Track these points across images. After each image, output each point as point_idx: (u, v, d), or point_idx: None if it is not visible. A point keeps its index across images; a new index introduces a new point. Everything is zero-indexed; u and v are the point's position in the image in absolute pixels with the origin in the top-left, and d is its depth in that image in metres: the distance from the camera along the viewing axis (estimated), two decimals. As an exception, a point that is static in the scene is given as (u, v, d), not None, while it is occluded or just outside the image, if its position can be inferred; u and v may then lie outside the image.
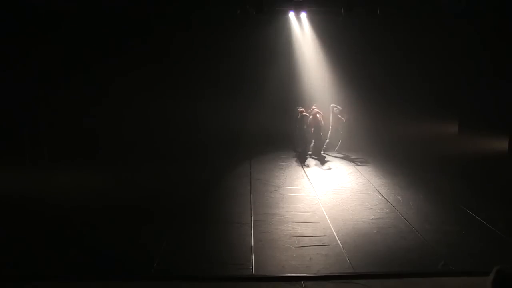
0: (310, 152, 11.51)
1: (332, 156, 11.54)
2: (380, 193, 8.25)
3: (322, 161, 11.00)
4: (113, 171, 10.02)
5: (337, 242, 6.08)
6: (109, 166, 10.36)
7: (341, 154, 11.64)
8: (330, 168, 10.36)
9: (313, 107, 11.83)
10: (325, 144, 11.66)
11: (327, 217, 7.03)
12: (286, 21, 13.14)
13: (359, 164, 10.55)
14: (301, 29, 13.26)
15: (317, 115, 11.50)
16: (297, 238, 6.23)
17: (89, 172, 9.91)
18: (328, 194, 8.31)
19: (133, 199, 8.11)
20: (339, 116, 11.76)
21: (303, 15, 12.88)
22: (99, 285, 5.11)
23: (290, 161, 11.06)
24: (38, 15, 10.74)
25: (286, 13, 12.87)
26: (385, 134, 12.63)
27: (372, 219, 6.97)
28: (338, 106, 11.89)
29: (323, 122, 11.52)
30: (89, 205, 7.69)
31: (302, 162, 10.91)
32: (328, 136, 11.80)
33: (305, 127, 11.51)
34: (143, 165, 10.55)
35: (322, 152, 11.51)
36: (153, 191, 8.72)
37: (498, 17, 11.55)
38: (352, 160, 10.90)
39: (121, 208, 7.59)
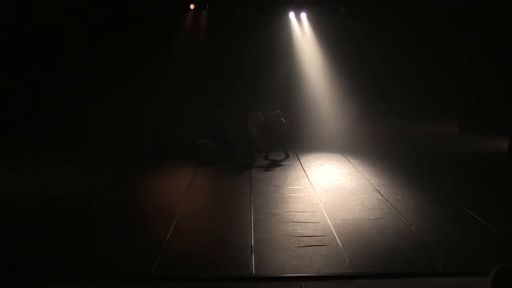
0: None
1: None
2: (380, 193, 8.24)
3: (321, 162, 10.98)
4: (113, 171, 10.02)
5: (337, 242, 6.08)
6: (109, 167, 10.34)
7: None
8: (327, 167, 10.36)
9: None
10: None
11: (327, 217, 7.03)
12: (286, 21, 13.14)
13: (359, 164, 10.54)
14: (301, 29, 13.26)
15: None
16: (297, 238, 6.24)
17: (90, 171, 9.90)
18: (328, 194, 8.31)
19: (133, 199, 8.12)
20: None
21: (303, 15, 12.90)
22: (99, 285, 5.12)
23: (290, 161, 11.07)
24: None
25: (286, 13, 12.90)
26: (385, 134, 12.63)
27: (372, 219, 6.97)
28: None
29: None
30: (89, 205, 7.70)
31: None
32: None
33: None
34: (143, 165, 10.55)
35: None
36: (152, 191, 8.74)
37: (498, 16, 11.56)
38: (352, 160, 10.90)
39: (121, 207, 7.59)
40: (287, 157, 11.33)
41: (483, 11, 11.73)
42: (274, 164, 10.80)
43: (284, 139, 11.48)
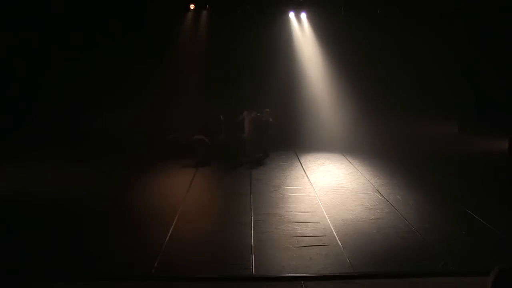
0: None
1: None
2: (380, 193, 8.24)
3: (321, 162, 10.98)
4: (112, 171, 10.03)
5: (337, 242, 6.08)
6: (108, 167, 10.35)
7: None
8: (327, 167, 10.35)
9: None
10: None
11: (327, 217, 7.02)
12: (286, 21, 13.15)
13: (359, 164, 10.54)
14: (301, 29, 13.26)
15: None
16: (297, 238, 6.23)
17: (89, 172, 9.90)
18: (328, 194, 8.31)
19: (133, 199, 8.12)
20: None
21: (303, 15, 12.91)
22: (99, 285, 5.12)
23: (290, 161, 11.07)
24: None
25: (286, 13, 12.90)
26: (385, 134, 12.63)
27: (372, 219, 6.96)
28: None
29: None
30: (88, 205, 7.70)
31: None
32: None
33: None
34: (142, 165, 10.55)
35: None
36: (152, 191, 8.74)
37: (497, 16, 11.56)
38: (352, 160, 10.90)
39: (121, 207, 7.60)
40: (265, 156, 11.34)
41: (482, 11, 11.72)
42: (274, 164, 10.79)
43: (266, 138, 11.51)
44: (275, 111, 12.13)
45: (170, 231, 6.47)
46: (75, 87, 12.03)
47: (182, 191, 8.61)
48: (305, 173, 9.87)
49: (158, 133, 11.64)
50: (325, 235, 6.32)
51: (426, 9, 11.98)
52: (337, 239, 6.18)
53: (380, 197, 8.05)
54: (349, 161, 10.90)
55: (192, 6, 12.47)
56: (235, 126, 11.67)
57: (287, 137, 12.71)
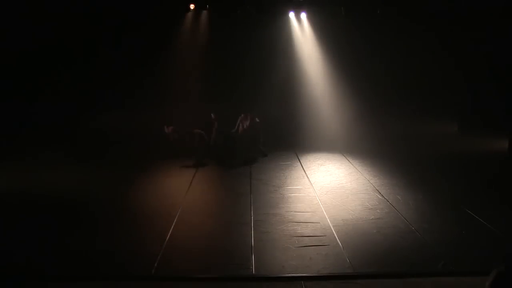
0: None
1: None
2: (380, 193, 8.24)
3: (321, 162, 10.98)
4: (111, 171, 10.03)
5: (337, 242, 6.08)
6: (107, 167, 10.36)
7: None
8: (327, 167, 10.35)
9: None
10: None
11: (327, 217, 7.03)
12: (286, 21, 13.15)
13: (359, 164, 10.54)
14: (301, 29, 13.26)
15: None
16: (297, 238, 6.24)
17: (88, 171, 9.91)
18: (328, 194, 8.31)
19: (132, 199, 8.12)
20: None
21: (303, 15, 12.91)
22: (99, 285, 5.12)
23: (290, 161, 11.07)
24: None
25: (286, 13, 12.90)
26: (385, 134, 12.63)
27: (372, 219, 6.97)
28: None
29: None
30: (87, 205, 7.70)
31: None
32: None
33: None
34: (142, 164, 10.55)
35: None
36: (152, 191, 8.74)
37: (497, 16, 11.56)
38: (352, 160, 10.90)
39: (120, 207, 7.60)
40: (264, 156, 11.35)
41: (481, 9, 11.72)
42: (274, 164, 10.79)
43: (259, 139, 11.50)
44: (275, 110, 12.13)
45: (170, 231, 6.47)
46: (74, 86, 12.03)
47: (182, 191, 8.61)
48: (305, 173, 9.87)
49: (156, 132, 11.61)
50: (325, 235, 6.33)
51: (426, 9, 11.98)
52: (337, 239, 6.19)
53: (380, 197, 8.06)
54: (349, 161, 10.90)
55: (192, 6, 12.48)
56: (228, 126, 11.64)
57: (287, 136, 12.72)
